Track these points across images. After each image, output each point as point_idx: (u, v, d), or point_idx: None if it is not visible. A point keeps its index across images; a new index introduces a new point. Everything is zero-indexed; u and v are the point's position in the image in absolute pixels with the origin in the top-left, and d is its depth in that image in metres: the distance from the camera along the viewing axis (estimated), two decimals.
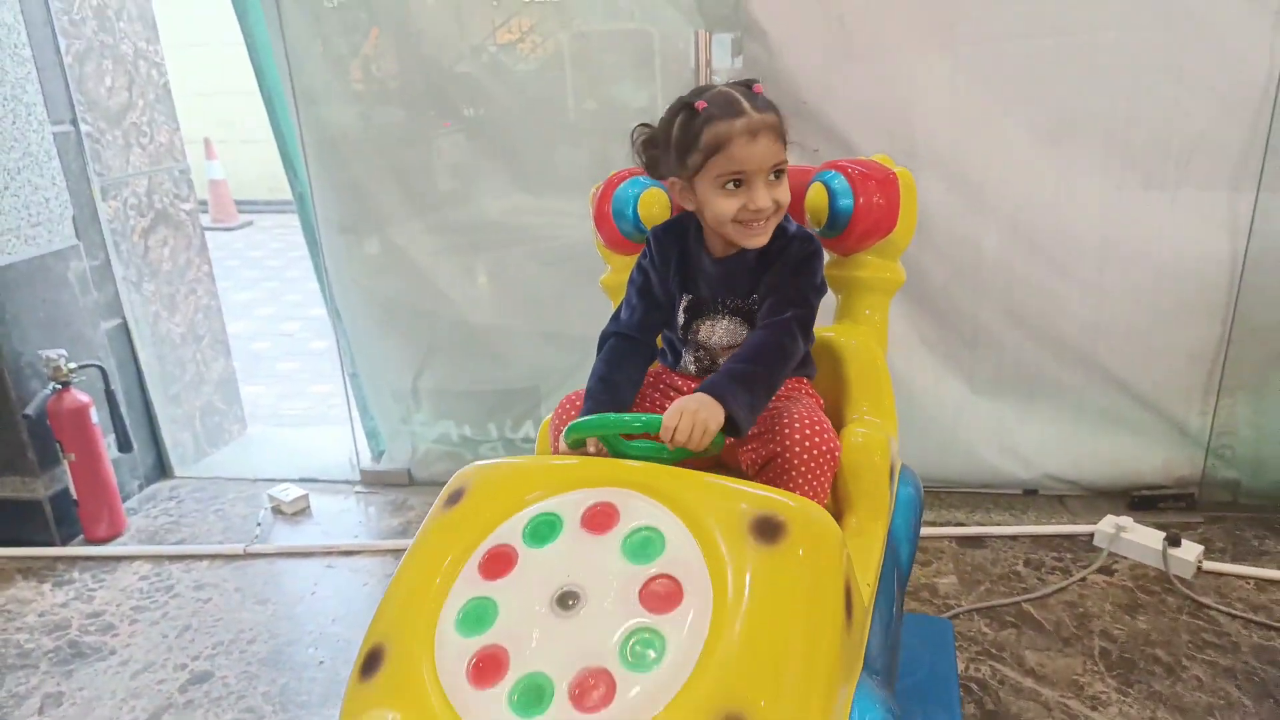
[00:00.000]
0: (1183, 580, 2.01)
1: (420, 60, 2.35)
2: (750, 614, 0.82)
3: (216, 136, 7.94)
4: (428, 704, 0.83)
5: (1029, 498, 2.40)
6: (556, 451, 1.16)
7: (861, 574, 1.09)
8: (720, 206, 1.16)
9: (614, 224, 1.48)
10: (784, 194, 1.18)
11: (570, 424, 1.09)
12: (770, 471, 1.15)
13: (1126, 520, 2.15)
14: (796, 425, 1.12)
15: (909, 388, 2.32)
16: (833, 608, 0.88)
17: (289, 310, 5.26)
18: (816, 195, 1.38)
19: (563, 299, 2.45)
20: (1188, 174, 2.08)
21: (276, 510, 2.55)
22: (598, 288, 2.44)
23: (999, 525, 2.26)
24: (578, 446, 1.10)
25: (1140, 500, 2.30)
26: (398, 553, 2.30)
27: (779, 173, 1.17)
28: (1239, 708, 1.63)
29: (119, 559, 2.31)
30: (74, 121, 2.47)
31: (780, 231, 1.23)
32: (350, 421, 2.71)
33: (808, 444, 1.11)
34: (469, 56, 2.36)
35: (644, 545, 0.89)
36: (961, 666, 1.75)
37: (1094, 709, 1.64)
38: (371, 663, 0.90)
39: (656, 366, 1.39)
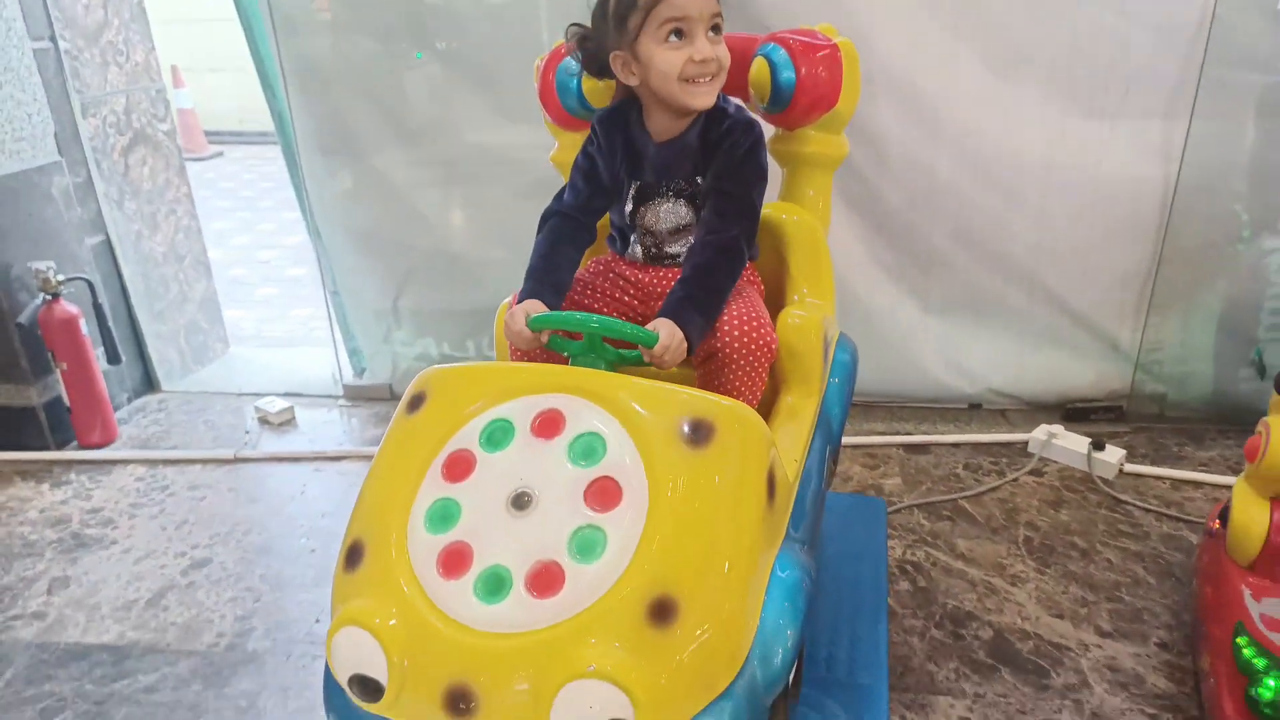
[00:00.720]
0: (1105, 480, 2.20)
1: None
2: (680, 511, 0.94)
3: (184, 65, 7.78)
4: (405, 593, 0.95)
5: (973, 411, 2.58)
6: (511, 330, 1.22)
7: (789, 452, 1.22)
8: (665, 61, 1.20)
9: (558, 99, 1.50)
10: (724, 54, 1.23)
11: (555, 315, 1.16)
12: (712, 364, 1.26)
13: (1058, 428, 2.34)
14: (734, 324, 1.22)
15: (866, 308, 2.47)
16: (755, 496, 1.00)
17: (264, 239, 5.29)
18: (759, 69, 1.41)
19: (533, 224, 2.55)
20: (1126, 103, 2.21)
21: (263, 421, 2.67)
22: None
23: (943, 434, 2.44)
24: (536, 331, 1.17)
25: (1074, 412, 2.49)
26: None
27: (717, 28, 1.22)
28: (1143, 584, 1.82)
29: (114, 463, 2.43)
30: (53, 39, 2.49)
31: (720, 113, 1.28)
32: (333, 339, 2.81)
33: (744, 340, 1.22)
34: None
35: (588, 449, 0.99)
36: (899, 552, 1.93)
37: (1013, 585, 1.83)
38: (353, 556, 1.01)
39: (607, 254, 1.47)
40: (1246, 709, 1.22)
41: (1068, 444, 2.29)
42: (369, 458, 2.40)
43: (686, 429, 0.99)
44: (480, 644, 0.91)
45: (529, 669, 0.89)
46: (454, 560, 0.96)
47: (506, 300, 1.39)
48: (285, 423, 2.67)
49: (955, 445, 2.40)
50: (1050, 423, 2.40)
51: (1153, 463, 2.28)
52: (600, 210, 1.39)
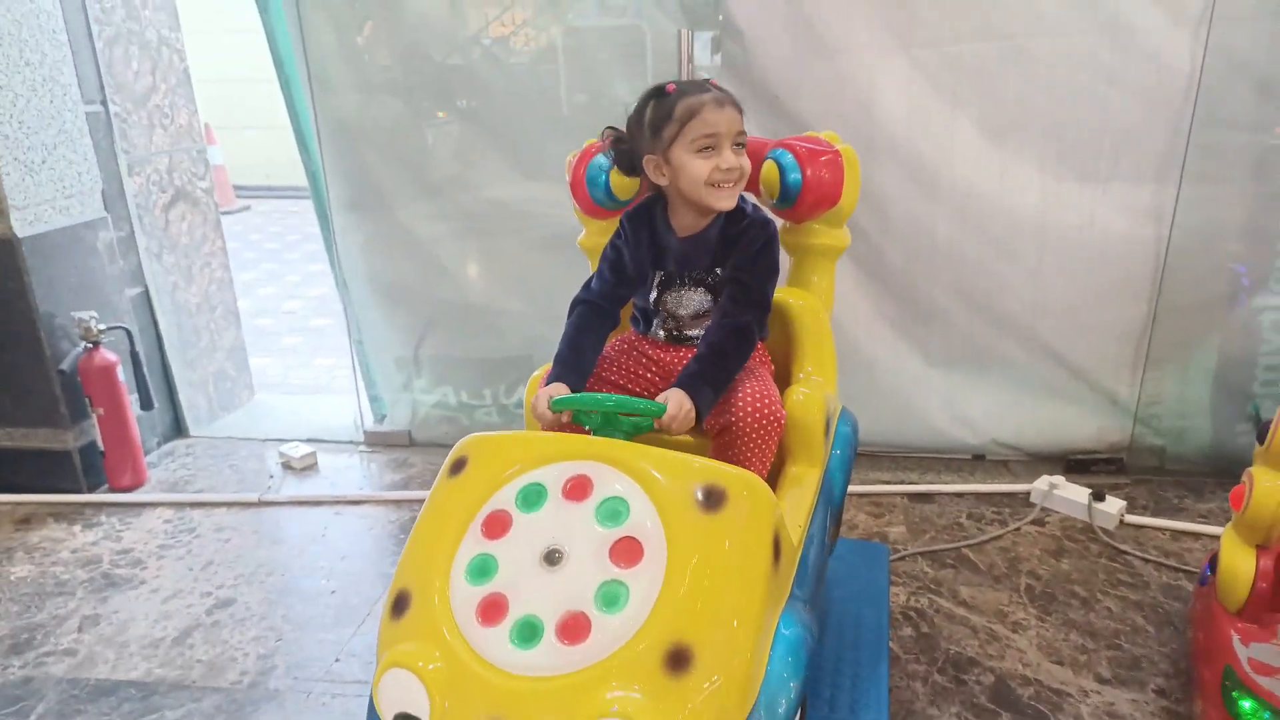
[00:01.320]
0: (1106, 531, 2.25)
1: (416, 51, 2.56)
2: (695, 568, 1.05)
3: (216, 123, 8.09)
4: (447, 639, 1.05)
5: (976, 461, 2.64)
6: (538, 410, 1.35)
7: (794, 518, 1.32)
8: (695, 168, 1.36)
9: (587, 192, 1.65)
10: (746, 163, 1.39)
11: (572, 397, 1.27)
12: (725, 436, 1.37)
13: (1059, 479, 2.39)
14: (746, 400, 1.34)
15: (870, 360, 2.55)
16: (762, 558, 1.10)
17: (289, 290, 5.46)
18: (769, 170, 1.57)
19: (554, 279, 2.65)
20: (1117, 167, 2.31)
21: (286, 465, 2.76)
22: (588, 270, 2.66)
23: (947, 484, 2.50)
24: (557, 413, 1.29)
25: (1075, 464, 2.54)
26: (400, 503, 2.52)
27: (740, 144, 1.38)
28: (1142, 632, 1.86)
29: (143, 505, 2.52)
30: (103, 102, 2.66)
31: (739, 213, 1.43)
32: (356, 386, 2.92)
33: (756, 414, 1.33)
34: (463, 48, 2.56)
35: (613, 512, 1.10)
36: (903, 599, 1.98)
37: (1014, 631, 1.87)
38: (400, 605, 1.11)
39: (630, 333, 1.60)
40: None
41: (1069, 495, 2.34)
42: (387, 502, 2.51)
43: (701, 495, 1.10)
44: (515, 686, 1.00)
45: (558, 709, 0.98)
46: (492, 610, 1.06)
47: (537, 374, 1.51)
48: (308, 467, 2.76)
49: (959, 495, 2.45)
50: (1052, 474, 2.45)
51: (1153, 514, 2.32)
52: (624, 298, 1.52)
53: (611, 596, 1.03)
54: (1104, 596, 1.99)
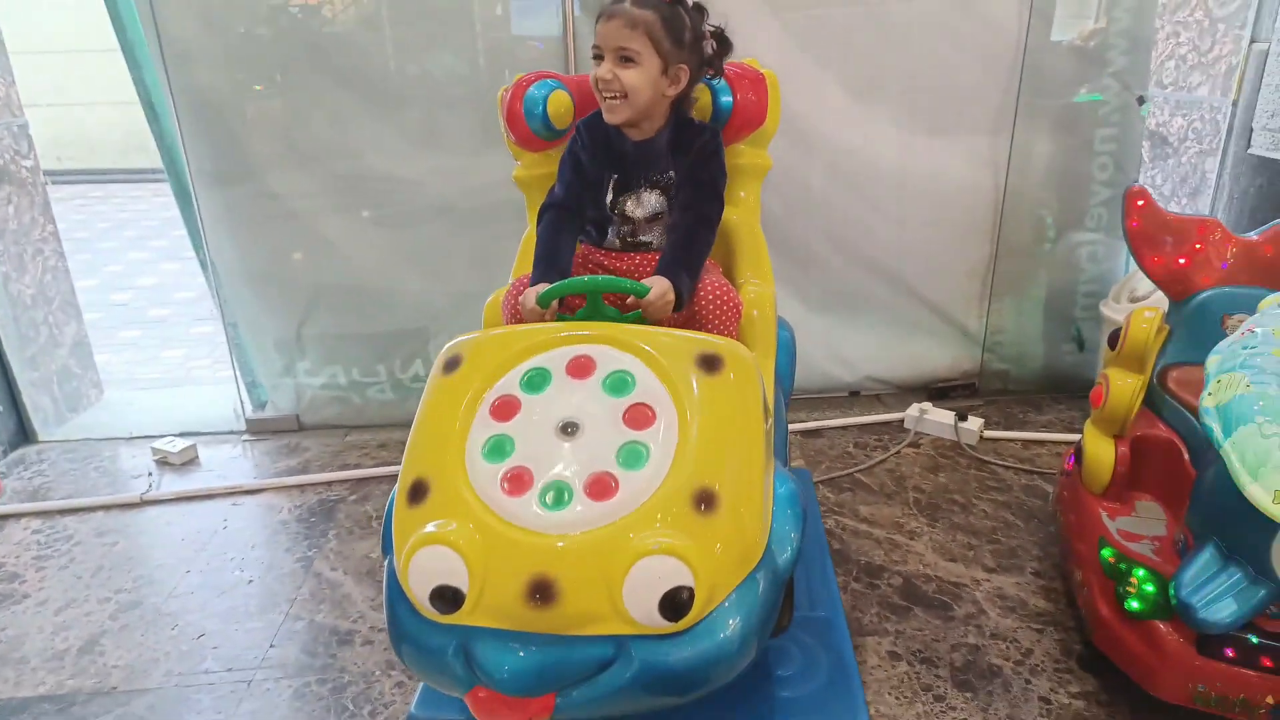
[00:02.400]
0: (970, 446, 2.54)
1: (282, 13, 2.42)
2: (703, 424, 1.13)
3: None
4: (475, 512, 1.08)
5: (853, 397, 2.88)
6: (515, 318, 1.39)
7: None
8: (591, 74, 1.46)
9: (525, 123, 1.67)
10: (631, 79, 1.43)
11: (560, 283, 1.31)
12: (692, 325, 1.45)
13: (927, 405, 2.67)
14: (708, 290, 1.43)
15: None
16: (758, 414, 1.20)
17: (113, 281, 4.98)
18: (701, 94, 1.65)
19: (447, 249, 2.63)
20: (961, 121, 2.58)
21: (163, 462, 2.57)
22: (479, 238, 2.64)
23: (832, 419, 2.72)
24: (546, 305, 1.33)
25: (937, 392, 2.84)
26: (304, 488, 2.43)
27: (626, 58, 1.42)
28: (1013, 527, 2.14)
29: (4, 517, 2.28)
30: None
31: (688, 122, 1.53)
32: (234, 374, 2.75)
33: (718, 303, 1.43)
34: (273, 17, 2.42)
35: (619, 384, 1.17)
36: None
37: (911, 539, 2.10)
38: (416, 492, 1.12)
39: (583, 247, 1.63)
40: (1118, 606, 1.51)
41: (937, 418, 2.62)
42: (289, 488, 2.41)
43: (699, 361, 1.19)
44: (552, 543, 1.05)
45: (600, 556, 1.04)
46: (517, 481, 1.10)
47: (502, 289, 1.55)
48: (188, 462, 2.59)
49: (844, 428, 2.68)
50: (919, 402, 2.73)
51: (1005, 428, 2.65)
52: (590, 201, 1.56)
53: (633, 455, 1.10)
54: (978, 501, 2.26)
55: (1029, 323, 2.85)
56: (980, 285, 2.78)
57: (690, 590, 1.01)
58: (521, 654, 1.04)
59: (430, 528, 1.07)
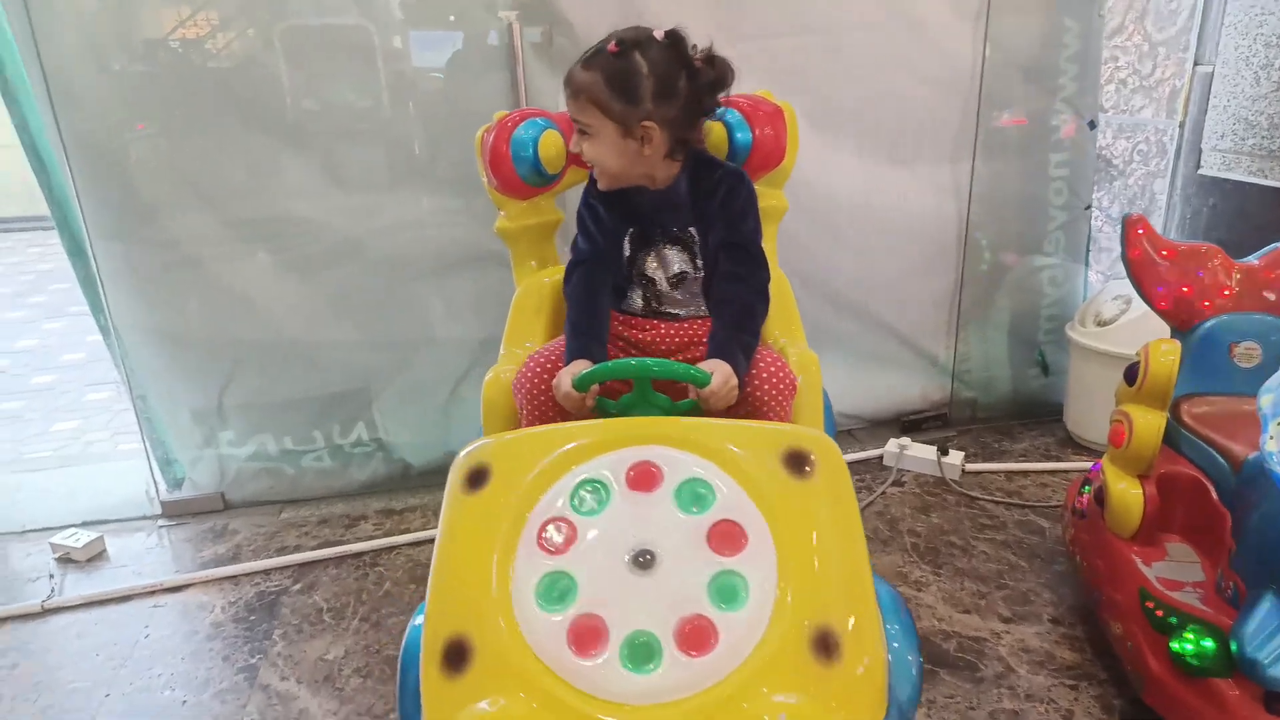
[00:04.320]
0: (954, 481, 2.46)
1: (182, 52, 2.15)
2: (802, 541, 0.94)
3: None
4: (539, 683, 0.85)
5: None
6: (537, 402, 1.19)
7: None
8: None
9: (512, 167, 1.47)
10: (594, 152, 1.27)
11: (604, 366, 1.12)
12: (744, 406, 1.25)
13: (906, 440, 2.58)
14: (765, 368, 1.25)
15: None
16: (857, 518, 1.01)
17: None
18: (716, 131, 1.48)
19: (383, 300, 2.40)
20: (921, 150, 2.53)
21: (65, 559, 2.23)
22: (419, 289, 2.41)
23: None
24: (585, 389, 1.14)
25: (909, 424, 2.76)
26: (237, 579, 2.13)
27: (583, 132, 1.27)
28: (1018, 569, 2.05)
29: None
30: None
31: (707, 165, 1.33)
32: (145, 450, 2.43)
33: (775, 381, 1.25)
34: (156, 52, 2.16)
35: (695, 496, 0.96)
36: None
37: (919, 590, 1.98)
38: (455, 656, 0.89)
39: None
40: (1172, 662, 1.41)
41: (917, 453, 2.53)
42: (221, 580, 2.11)
43: (786, 462, 0.98)
44: (645, 718, 0.84)
45: None
46: (587, 635, 0.88)
47: (502, 366, 1.35)
48: (95, 557, 2.25)
49: None
50: (891, 436, 2.64)
51: (984, 460, 2.58)
52: (617, 254, 1.36)
53: (728, 589, 0.90)
54: (976, 542, 2.17)
55: (994, 350, 2.82)
56: (946, 314, 2.72)
57: None
58: None
59: (480, 707, 0.84)
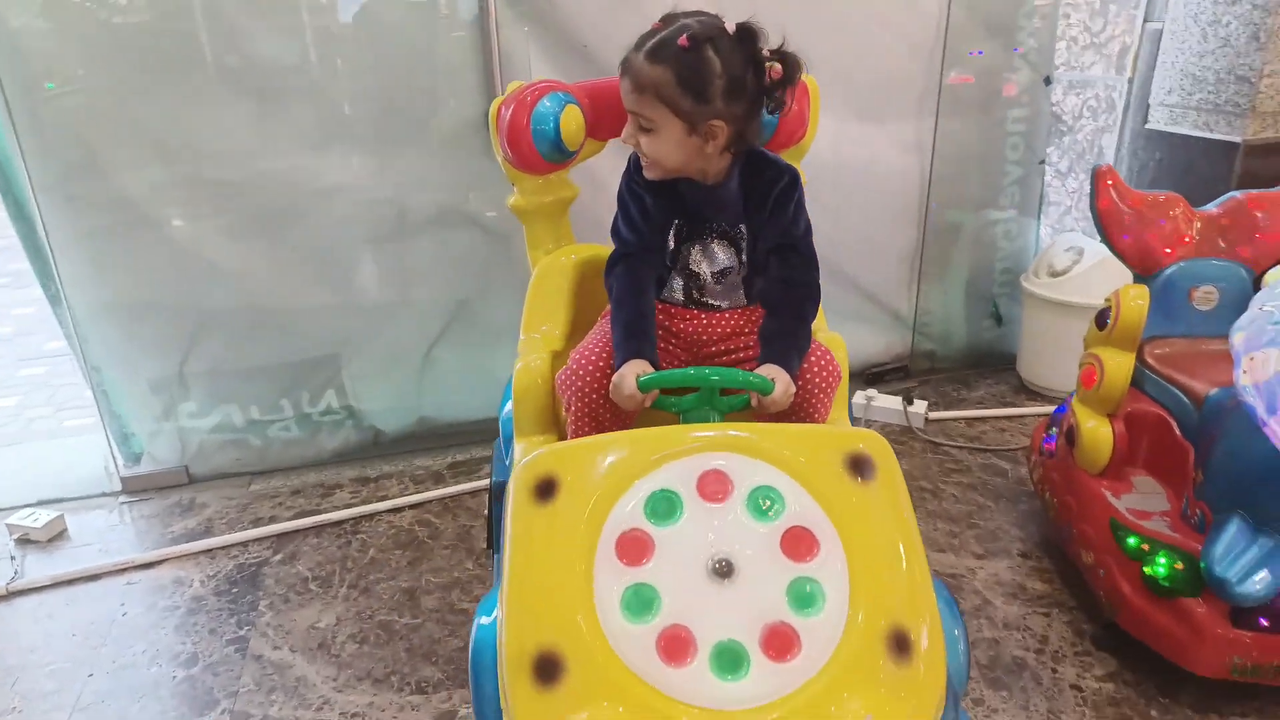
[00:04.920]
0: (919, 429, 2.54)
1: None
2: (873, 545, 0.97)
3: None
4: (633, 693, 0.87)
5: None
6: (589, 401, 1.20)
7: None
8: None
9: (532, 143, 1.43)
10: (654, 148, 1.22)
11: (671, 373, 1.12)
12: (796, 397, 1.23)
13: (873, 392, 2.65)
14: (814, 363, 1.25)
15: None
16: (913, 518, 1.03)
17: None
18: None
19: (358, 261, 2.34)
20: (889, 107, 2.56)
21: (24, 540, 2.14)
22: (390, 251, 2.35)
23: None
24: (647, 391, 1.14)
25: (873, 376, 2.84)
26: (213, 553, 2.08)
27: (644, 128, 1.21)
28: (986, 509, 2.15)
29: None
30: None
31: (760, 160, 1.29)
32: (103, 425, 2.33)
33: (822, 373, 1.25)
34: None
35: (765, 504, 0.98)
36: None
37: None
38: (546, 670, 0.89)
39: None
40: (1144, 586, 1.51)
41: (884, 404, 2.61)
42: (200, 555, 2.06)
43: (848, 466, 1.01)
44: None
45: None
46: (676, 645, 0.90)
47: (535, 357, 1.33)
48: (56, 536, 2.16)
49: None
50: (858, 388, 2.71)
51: (945, 408, 2.68)
52: (661, 244, 1.31)
53: (806, 596, 0.93)
54: (945, 485, 2.26)
55: (952, 302, 2.90)
56: (909, 269, 2.79)
57: None
58: None
59: (580, 719, 0.86)
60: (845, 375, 1.35)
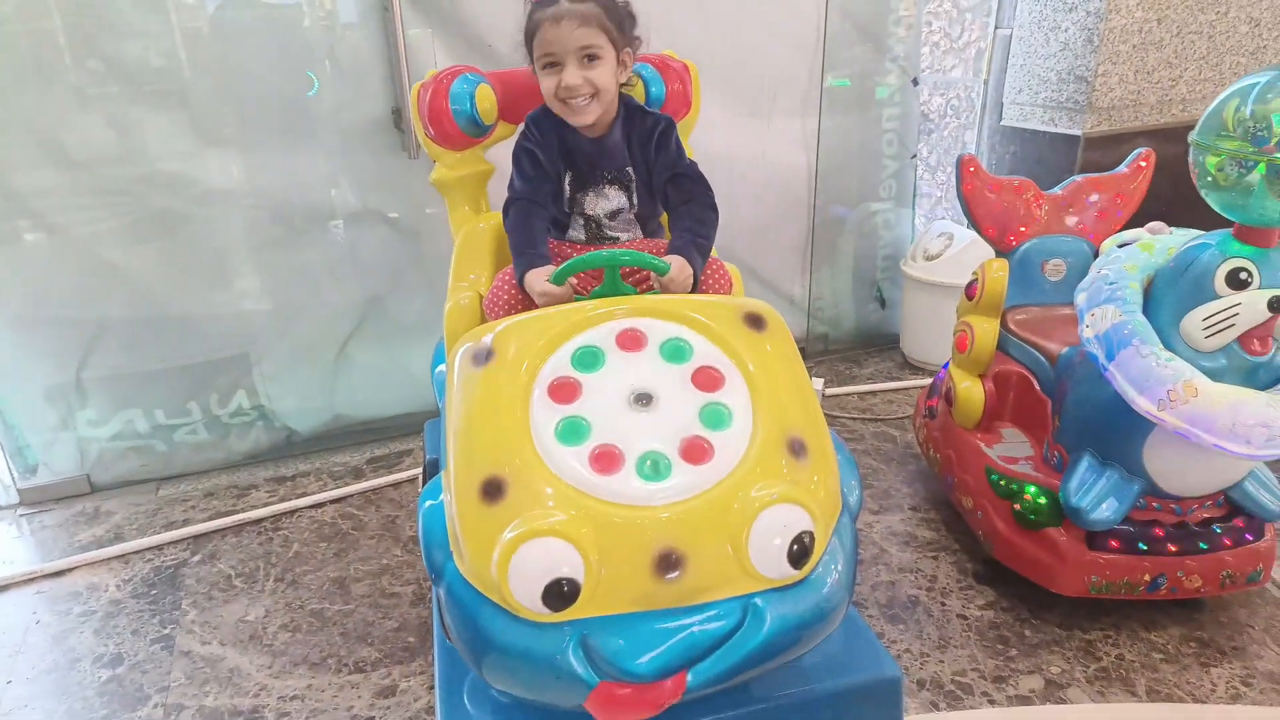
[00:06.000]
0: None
1: None
2: (767, 378, 1.13)
3: None
4: (571, 498, 1.00)
5: None
6: (538, 289, 1.31)
7: None
8: (543, 86, 1.39)
9: (451, 118, 1.56)
10: (600, 77, 1.37)
11: (578, 259, 1.25)
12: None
13: None
14: (711, 269, 1.42)
15: None
16: (802, 363, 1.22)
17: None
18: (636, 86, 1.62)
19: (267, 261, 2.34)
20: (776, 104, 2.75)
21: None
22: (298, 249, 2.36)
23: None
24: (561, 283, 1.27)
25: None
26: (126, 558, 2.05)
27: (591, 57, 1.36)
28: (879, 471, 2.34)
29: None
30: None
31: (639, 111, 1.47)
32: None
33: (719, 278, 1.42)
34: None
35: (676, 351, 1.14)
36: None
37: None
38: (492, 490, 1.01)
39: (548, 242, 1.52)
40: (1015, 522, 1.71)
41: None
42: (113, 561, 2.04)
43: (746, 320, 1.18)
44: (665, 514, 1.00)
45: (718, 517, 1.00)
46: (606, 460, 1.03)
47: (464, 293, 1.44)
48: None
49: None
50: None
51: (840, 385, 2.89)
52: (549, 194, 1.46)
53: (716, 415, 1.08)
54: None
55: (841, 287, 3.13)
56: (801, 257, 2.99)
57: (812, 535, 1.00)
58: (652, 634, 0.97)
59: (524, 520, 0.97)
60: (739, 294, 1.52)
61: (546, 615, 0.97)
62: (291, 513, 2.22)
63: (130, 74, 2.08)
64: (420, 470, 1.94)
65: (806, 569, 1.02)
